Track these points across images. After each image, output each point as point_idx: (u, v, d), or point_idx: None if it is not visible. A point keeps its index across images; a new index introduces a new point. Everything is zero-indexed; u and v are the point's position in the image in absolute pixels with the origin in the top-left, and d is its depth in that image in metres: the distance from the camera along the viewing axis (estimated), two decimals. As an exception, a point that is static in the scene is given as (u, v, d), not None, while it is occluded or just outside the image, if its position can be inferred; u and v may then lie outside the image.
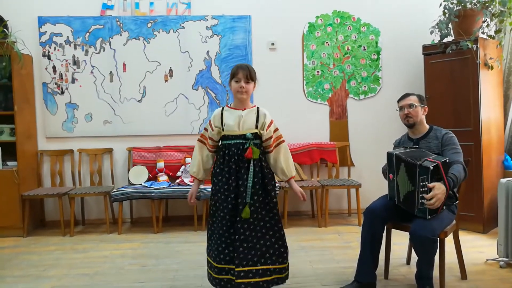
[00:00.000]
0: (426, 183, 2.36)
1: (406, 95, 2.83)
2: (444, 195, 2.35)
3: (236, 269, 2.28)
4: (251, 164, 2.33)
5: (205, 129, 2.48)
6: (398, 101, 2.85)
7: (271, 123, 2.44)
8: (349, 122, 4.79)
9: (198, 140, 2.51)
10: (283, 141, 2.48)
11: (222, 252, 2.33)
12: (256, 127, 2.39)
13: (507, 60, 4.21)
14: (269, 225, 2.38)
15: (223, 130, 2.39)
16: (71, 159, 4.55)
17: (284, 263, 2.42)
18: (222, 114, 2.41)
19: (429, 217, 2.39)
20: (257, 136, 2.39)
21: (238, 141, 2.36)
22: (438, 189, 2.34)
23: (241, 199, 2.31)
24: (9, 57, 4.07)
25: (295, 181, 2.57)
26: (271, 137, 2.42)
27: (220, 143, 2.46)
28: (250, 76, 2.36)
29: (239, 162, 2.34)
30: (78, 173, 4.53)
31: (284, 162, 2.45)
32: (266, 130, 2.40)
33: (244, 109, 2.41)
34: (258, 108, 2.45)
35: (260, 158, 2.38)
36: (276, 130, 2.47)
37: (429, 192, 2.34)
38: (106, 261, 3.33)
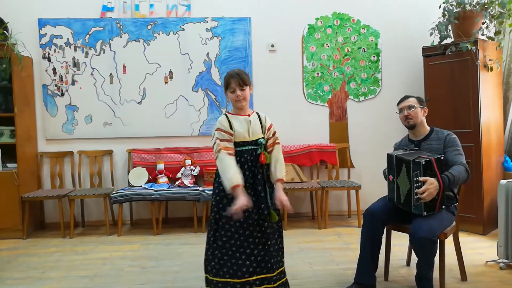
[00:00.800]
0: (419, 178, 2.38)
1: (405, 97, 2.83)
2: (437, 190, 2.37)
3: (273, 275, 2.26)
4: (264, 169, 2.34)
5: (222, 140, 2.27)
6: (398, 103, 2.85)
7: (270, 126, 2.45)
8: (348, 123, 4.79)
9: (222, 152, 2.25)
10: (278, 143, 2.46)
11: (244, 264, 2.23)
12: (262, 132, 2.40)
13: (507, 61, 4.21)
14: (277, 227, 2.42)
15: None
16: (71, 161, 4.55)
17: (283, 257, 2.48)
18: (229, 121, 2.33)
19: (425, 213, 2.41)
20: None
21: (250, 147, 2.34)
22: (431, 184, 2.36)
23: (259, 204, 2.28)
24: (9, 59, 4.07)
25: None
26: (269, 139, 2.43)
27: None
28: (244, 82, 2.30)
29: (253, 168, 2.32)
30: (78, 175, 4.53)
31: (273, 163, 2.38)
32: (267, 133, 2.41)
33: (249, 115, 2.38)
34: (257, 113, 2.45)
35: (268, 163, 2.39)
36: (275, 133, 2.46)
37: (422, 187, 2.37)
38: (106, 263, 3.32)
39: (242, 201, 2.15)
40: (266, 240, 2.29)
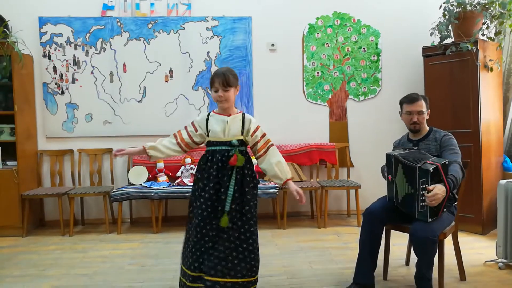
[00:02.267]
0: (426, 185, 2.35)
1: (414, 100, 2.72)
2: (444, 195, 2.36)
3: (206, 277, 2.21)
4: (234, 172, 2.26)
5: (185, 127, 2.42)
6: (404, 102, 2.77)
7: (257, 128, 2.35)
8: (348, 123, 4.79)
9: (174, 133, 2.44)
10: (272, 144, 2.39)
11: (197, 260, 2.26)
12: (242, 134, 2.32)
13: (507, 62, 4.22)
14: (243, 237, 2.28)
15: (208, 136, 2.34)
16: (71, 159, 4.55)
17: (253, 276, 2.29)
18: (207, 119, 2.35)
19: (430, 220, 2.39)
20: (242, 143, 2.32)
21: (223, 147, 2.29)
22: (439, 190, 2.33)
23: (220, 207, 2.24)
24: (10, 57, 4.07)
25: (293, 181, 2.50)
26: (257, 142, 2.35)
27: (205, 148, 2.40)
28: (228, 83, 2.26)
29: (222, 169, 2.27)
30: (78, 173, 4.53)
31: (276, 166, 2.34)
32: (251, 136, 2.32)
33: (230, 115, 2.33)
34: (243, 114, 2.38)
35: (243, 166, 2.29)
36: (264, 135, 2.37)
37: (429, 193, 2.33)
38: (106, 261, 3.33)
39: (128, 149, 2.43)
40: (209, 241, 2.25)
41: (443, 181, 2.37)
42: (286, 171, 2.37)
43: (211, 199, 2.26)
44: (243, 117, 2.35)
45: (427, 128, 2.79)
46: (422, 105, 2.72)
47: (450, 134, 2.70)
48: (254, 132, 2.33)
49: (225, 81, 2.26)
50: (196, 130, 2.38)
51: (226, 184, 2.25)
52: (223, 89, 2.27)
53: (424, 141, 2.74)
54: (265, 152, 2.36)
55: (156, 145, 2.41)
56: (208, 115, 2.38)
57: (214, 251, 2.24)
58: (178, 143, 2.40)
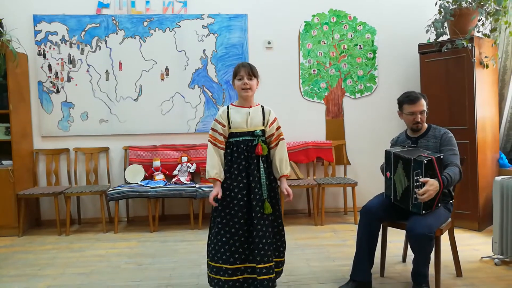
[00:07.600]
0: (420, 177, 2.37)
1: (416, 99, 2.68)
2: (436, 191, 2.37)
3: (258, 266, 2.29)
4: (261, 161, 2.38)
5: (213, 129, 2.43)
6: (405, 103, 2.72)
7: (274, 120, 2.49)
8: (345, 120, 4.80)
9: (209, 141, 2.43)
10: (283, 139, 2.51)
11: (237, 252, 2.32)
12: (263, 124, 2.44)
13: (502, 58, 4.23)
14: (280, 220, 2.48)
15: (230, 128, 2.42)
16: (67, 158, 4.53)
17: (281, 257, 2.51)
18: (228, 112, 2.43)
19: (423, 212, 2.41)
20: (263, 133, 2.45)
21: (246, 138, 2.40)
22: (431, 185, 2.35)
23: (253, 195, 2.33)
24: (4, 56, 4.04)
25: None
26: (273, 134, 2.47)
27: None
28: (252, 73, 2.40)
29: (249, 158, 2.38)
30: (74, 172, 4.51)
31: (279, 161, 2.46)
32: (269, 127, 2.45)
33: (250, 106, 2.45)
34: (262, 106, 2.50)
35: (267, 155, 2.43)
36: (278, 128, 2.50)
37: (422, 187, 2.35)
38: (102, 260, 3.32)
39: (213, 192, 2.34)
40: (253, 231, 2.32)
41: (436, 175, 2.39)
42: (285, 168, 2.47)
43: (245, 188, 2.35)
44: (263, 109, 2.49)
45: (426, 125, 2.79)
46: (424, 104, 2.70)
47: (450, 132, 2.70)
48: (272, 123, 2.47)
49: (250, 70, 2.41)
50: (224, 126, 2.43)
51: (254, 173, 2.35)
52: (248, 77, 2.40)
53: (423, 138, 2.74)
54: (276, 145, 2.48)
55: (221, 170, 2.39)
56: (228, 108, 2.46)
57: (262, 239, 2.30)
58: (221, 148, 2.43)
